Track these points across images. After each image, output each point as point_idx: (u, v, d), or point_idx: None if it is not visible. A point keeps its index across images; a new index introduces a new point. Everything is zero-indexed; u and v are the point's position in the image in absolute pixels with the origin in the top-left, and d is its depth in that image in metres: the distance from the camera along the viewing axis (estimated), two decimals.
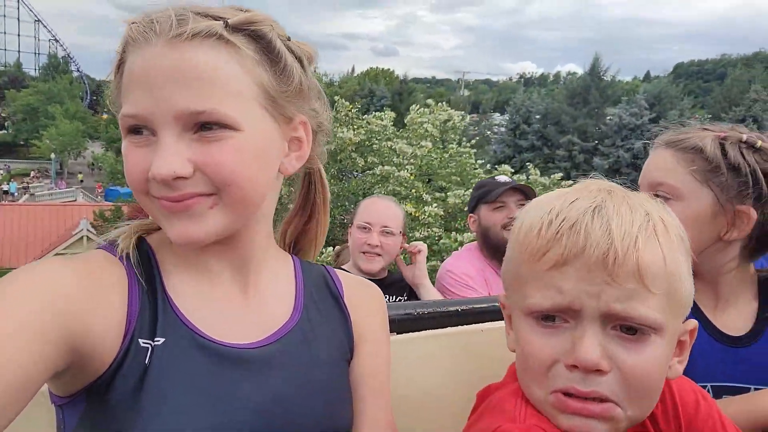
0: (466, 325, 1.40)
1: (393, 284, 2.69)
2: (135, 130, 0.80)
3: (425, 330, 1.36)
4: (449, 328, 1.38)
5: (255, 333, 0.90)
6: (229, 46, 0.80)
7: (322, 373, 0.93)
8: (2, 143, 59.60)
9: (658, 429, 0.84)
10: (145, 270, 0.87)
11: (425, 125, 12.02)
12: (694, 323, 0.81)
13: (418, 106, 13.39)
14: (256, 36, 0.83)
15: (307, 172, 1.04)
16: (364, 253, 2.58)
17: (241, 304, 0.92)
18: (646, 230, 0.72)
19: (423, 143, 11.57)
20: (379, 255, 2.58)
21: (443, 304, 1.46)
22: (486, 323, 1.41)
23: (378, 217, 2.62)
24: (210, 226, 0.82)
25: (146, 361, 0.78)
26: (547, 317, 0.75)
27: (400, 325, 1.32)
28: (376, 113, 12.94)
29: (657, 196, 1.01)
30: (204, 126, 0.79)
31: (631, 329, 0.72)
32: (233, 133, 0.80)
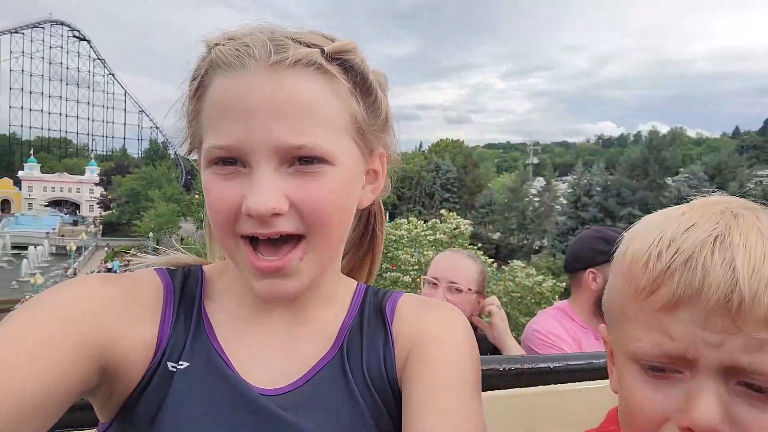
0: (559, 383, 1.26)
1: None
2: (224, 160, 0.76)
3: (511, 388, 1.24)
4: (540, 386, 1.25)
5: (287, 374, 0.83)
6: (326, 76, 0.77)
7: (357, 409, 0.82)
8: (107, 223, 65.29)
9: None
10: (188, 293, 0.86)
11: (429, 237, 13.22)
12: None
13: (410, 220, 15.21)
14: (349, 66, 0.80)
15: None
16: None
17: (283, 340, 0.87)
18: None
19: (426, 251, 12.83)
20: None
21: (533, 360, 1.31)
22: (582, 382, 1.26)
23: (445, 271, 2.43)
24: (303, 279, 0.79)
25: (170, 386, 0.77)
26: (656, 367, 0.65)
27: (483, 381, 1.31)
28: (396, 221, 14.45)
29: None
30: (301, 159, 0.76)
31: (758, 388, 0.60)
32: (329, 168, 0.77)
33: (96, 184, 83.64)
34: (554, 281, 13.48)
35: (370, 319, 0.91)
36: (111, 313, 0.75)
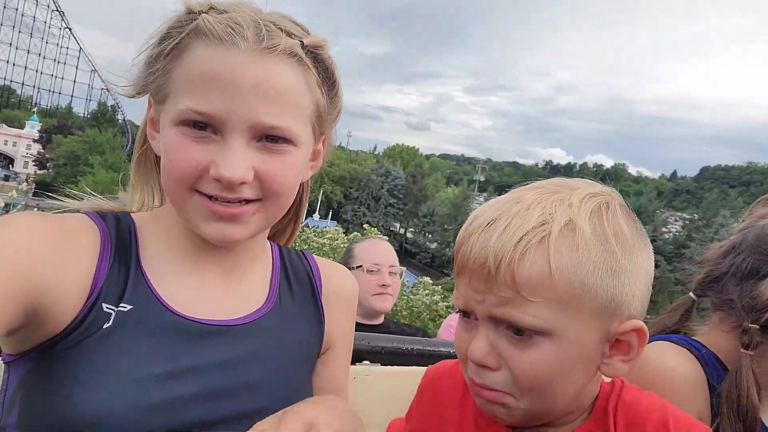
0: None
1: (402, 333, 2.72)
2: (195, 123, 0.81)
3: (413, 366, 1.41)
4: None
5: (225, 314, 0.91)
6: (302, 67, 0.85)
7: (288, 361, 0.95)
8: (41, 182, 63.09)
9: None
10: (123, 240, 0.89)
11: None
12: (635, 324, 0.78)
13: (337, 229, 15.98)
14: (320, 60, 0.89)
15: None
16: (377, 294, 2.63)
17: (217, 288, 0.94)
18: (528, 241, 0.75)
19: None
20: (390, 294, 2.67)
21: (433, 343, 1.50)
22: None
23: (385, 257, 2.70)
24: (250, 230, 0.88)
25: (106, 325, 0.79)
26: (465, 313, 0.83)
27: (387, 358, 1.39)
28: (323, 228, 15.30)
29: None
30: (269, 137, 0.84)
31: (516, 330, 0.76)
32: (292, 149, 0.87)
33: (35, 141, 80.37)
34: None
35: (299, 280, 1.06)
36: (44, 257, 0.75)
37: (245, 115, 0.81)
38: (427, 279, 16.64)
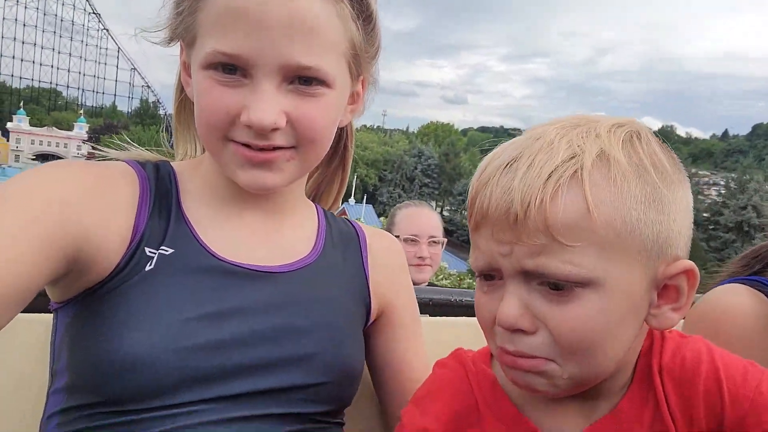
0: None
1: None
2: (224, 66, 0.78)
3: (462, 317, 1.38)
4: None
5: (267, 260, 0.89)
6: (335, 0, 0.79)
7: (331, 311, 0.92)
8: None
9: (685, 406, 0.72)
10: (164, 187, 0.88)
11: None
12: (685, 265, 0.69)
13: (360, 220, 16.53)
14: None
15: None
16: (414, 266, 2.54)
17: (259, 235, 0.92)
18: (559, 177, 0.65)
19: None
20: (429, 265, 2.58)
21: (463, 293, 1.48)
22: None
23: (425, 227, 2.62)
24: (285, 177, 0.85)
25: (148, 268, 0.79)
26: (486, 276, 0.73)
27: (434, 309, 1.37)
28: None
29: None
30: (301, 78, 0.79)
31: (554, 284, 0.66)
32: (326, 91, 0.82)
33: (84, 141, 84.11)
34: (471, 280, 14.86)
35: (344, 241, 1.03)
36: (86, 205, 0.75)
37: (275, 55, 0.76)
38: (444, 264, 17.10)
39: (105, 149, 0.96)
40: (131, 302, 0.76)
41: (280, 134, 0.80)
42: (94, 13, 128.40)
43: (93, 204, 0.76)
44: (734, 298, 1.03)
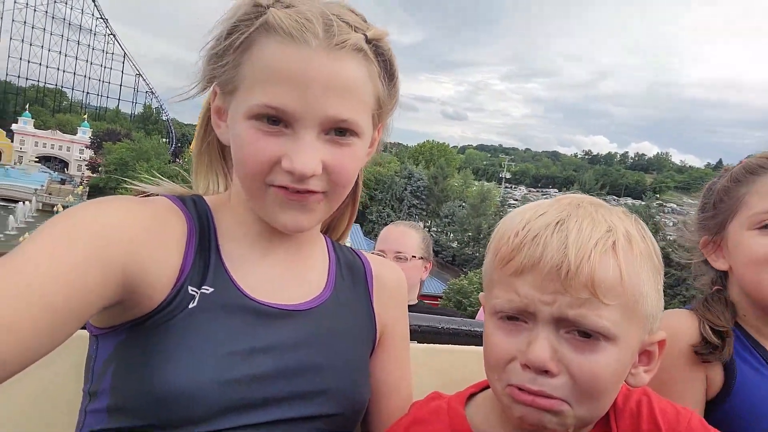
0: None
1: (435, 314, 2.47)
2: (268, 118, 0.85)
3: (447, 344, 1.44)
4: (473, 346, 1.41)
5: (291, 299, 0.98)
6: (367, 60, 0.89)
7: (348, 346, 1.02)
8: (94, 186, 67.97)
9: None
10: (203, 226, 0.95)
11: None
12: (662, 335, 0.85)
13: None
14: (380, 51, 0.92)
15: None
16: None
17: (283, 274, 1.00)
18: (604, 245, 0.76)
19: None
20: None
21: (468, 323, 1.54)
22: None
23: (391, 243, 2.69)
24: (316, 217, 0.94)
25: (191, 305, 0.86)
26: (510, 317, 0.81)
27: (423, 336, 1.42)
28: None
29: None
30: (336, 130, 0.88)
31: (583, 333, 0.76)
32: (357, 140, 0.91)
33: (87, 146, 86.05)
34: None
35: (351, 273, 1.12)
36: (143, 239, 0.82)
37: (317, 110, 0.84)
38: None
39: (141, 185, 1.04)
40: (177, 338, 0.84)
41: (316, 180, 0.88)
42: (101, 17, 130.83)
43: (150, 243, 0.83)
44: (674, 321, 1.21)
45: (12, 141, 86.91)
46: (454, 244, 57.17)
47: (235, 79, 0.89)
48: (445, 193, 63.65)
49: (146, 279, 0.82)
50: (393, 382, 1.11)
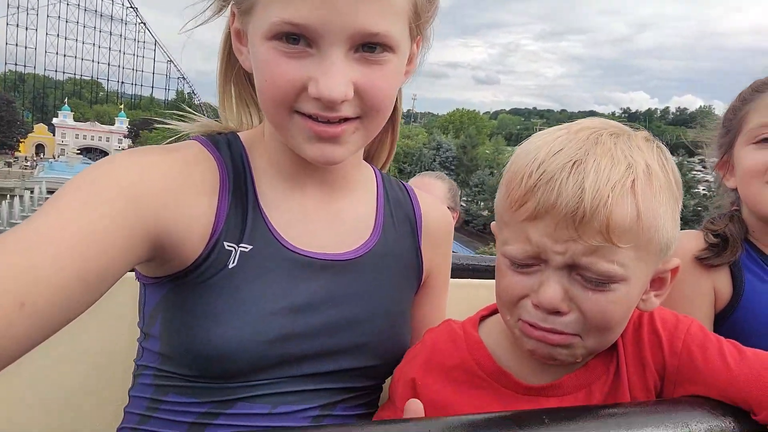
0: None
1: None
2: (288, 36, 0.76)
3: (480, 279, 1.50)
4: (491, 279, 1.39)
5: (336, 246, 0.94)
6: None
7: (391, 296, 0.99)
8: None
9: (637, 353, 0.86)
10: (238, 170, 0.90)
11: None
12: (676, 262, 0.84)
13: None
14: None
15: None
16: None
17: (326, 219, 0.95)
18: (622, 186, 0.73)
19: None
20: None
21: (485, 259, 1.60)
22: None
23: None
24: (349, 149, 0.85)
25: (230, 264, 0.84)
26: (521, 263, 0.79)
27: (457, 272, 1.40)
28: None
29: None
30: (366, 46, 0.77)
31: (594, 276, 0.75)
32: (391, 56, 0.80)
33: (125, 136, 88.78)
34: None
35: (399, 212, 1.06)
36: (170, 195, 0.79)
37: (343, 23, 0.74)
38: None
39: (174, 123, 0.98)
40: (217, 298, 0.83)
41: (348, 105, 0.79)
42: (131, 7, 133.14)
43: (177, 198, 0.80)
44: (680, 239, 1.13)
45: (54, 134, 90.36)
46: (485, 213, 57.22)
47: None
48: (475, 162, 63.34)
49: (175, 236, 0.79)
50: (429, 323, 1.08)
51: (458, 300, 1.29)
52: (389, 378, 1.02)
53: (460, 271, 1.50)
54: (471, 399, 0.88)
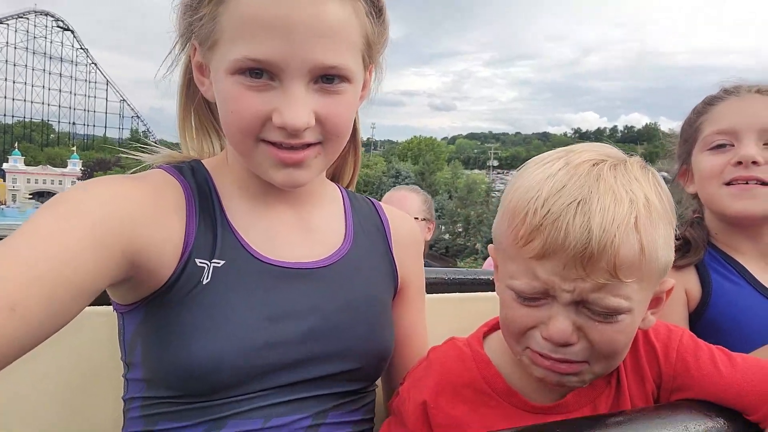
0: (490, 292, 1.49)
1: None
2: (251, 71, 0.81)
3: (454, 293, 1.50)
4: (476, 293, 1.50)
5: (308, 256, 0.96)
6: None
7: (367, 300, 0.99)
8: None
9: (635, 364, 0.90)
10: (204, 192, 0.92)
11: None
12: (671, 283, 0.86)
13: None
14: None
15: None
16: None
17: (296, 231, 0.98)
18: (627, 225, 0.74)
19: None
20: None
21: (471, 273, 1.59)
22: None
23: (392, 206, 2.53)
24: (313, 172, 0.90)
25: (204, 280, 0.85)
26: (527, 297, 0.80)
27: (429, 287, 1.43)
28: None
29: None
30: (325, 77, 0.83)
31: (606, 312, 0.77)
32: (348, 86, 0.86)
33: (78, 178, 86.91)
34: None
35: (368, 223, 1.09)
36: (142, 216, 0.80)
37: (303, 58, 0.79)
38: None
39: (137, 154, 1.01)
40: (195, 314, 0.83)
41: (310, 132, 0.84)
42: (81, 48, 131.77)
43: (148, 219, 0.81)
44: None
45: (4, 180, 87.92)
46: (446, 236, 58.17)
47: (215, 32, 0.83)
48: (434, 188, 64.55)
49: (148, 256, 0.81)
50: (412, 330, 1.13)
51: (443, 314, 1.38)
52: (379, 381, 1.06)
53: (442, 285, 1.57)
54: (483, 418, 0.89)
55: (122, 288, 0.85)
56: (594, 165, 0.80)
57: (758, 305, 1.25)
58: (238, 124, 0.84)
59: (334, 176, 1.19)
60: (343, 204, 1.09)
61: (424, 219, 2.87)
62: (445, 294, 1.52)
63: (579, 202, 0.75)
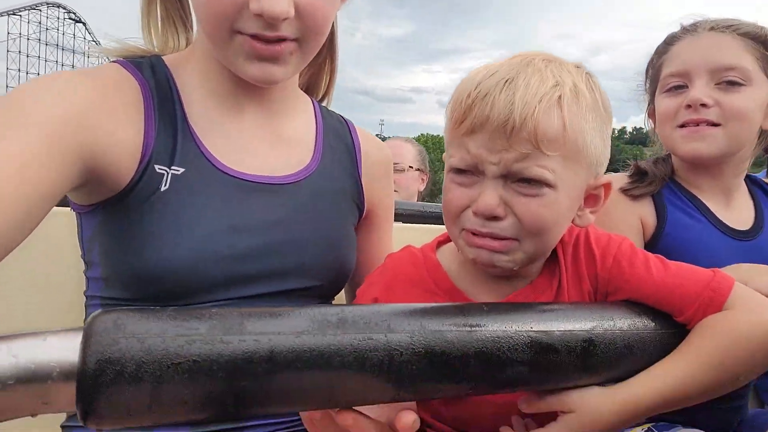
0: None
1: None
2: None
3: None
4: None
5: (274, 170, 0.93)
6: None
7: (332, 219, 1.00)
8: None
9: (575, 268, 0.93)
10: (164, 92, 0.87)
11: None
12: (606, 179, 0.90)
13: None
14: None
15: None
16: None
17: (264, 141, 0.94)
18: (549, 99, 0.79)
19: None
20: (395, 191, 2.77)
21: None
22: None
23: None
24: (288, 70, 0.86)
25: (162, 187, 0.82)
26: (462, 172, 0.85)
27: (407, 219, 1.56)
28: None
29: (729, 82, 1.23)
30: None
31: (526, 181, 0.81)
32: None
33: None
34: None
35: (339, 142, 1.07)
36: (96, 118, 0.76)
37: None
38: None
39: (97, 48, 0.99)
40: (150, 221, 0.81)
41: (287, 25, 0.81)
42: (93, 41, 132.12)
43: (102, 121, 0.77)
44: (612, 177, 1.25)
45: None
46: None
47: None
48: (438, 186, 64.35)
49: (106, 158, 0.77)
50: (376, 253, 1.14)
51: (418, 242, 1.41)
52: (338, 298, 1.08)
53: (419, 217, 1.65)
54: None
55: (81, 191, 0.83)
56: (528, 56, 0.86)
57: (715, 239, 1.30)
58: (213, 10, 0.79)
59: (309, 87, 1.17)
60: (315, 118, 1.07)
61: (419, 169, 2.91)
62: (423, 225, 1.57)
63: (507, 81, 0.80)
